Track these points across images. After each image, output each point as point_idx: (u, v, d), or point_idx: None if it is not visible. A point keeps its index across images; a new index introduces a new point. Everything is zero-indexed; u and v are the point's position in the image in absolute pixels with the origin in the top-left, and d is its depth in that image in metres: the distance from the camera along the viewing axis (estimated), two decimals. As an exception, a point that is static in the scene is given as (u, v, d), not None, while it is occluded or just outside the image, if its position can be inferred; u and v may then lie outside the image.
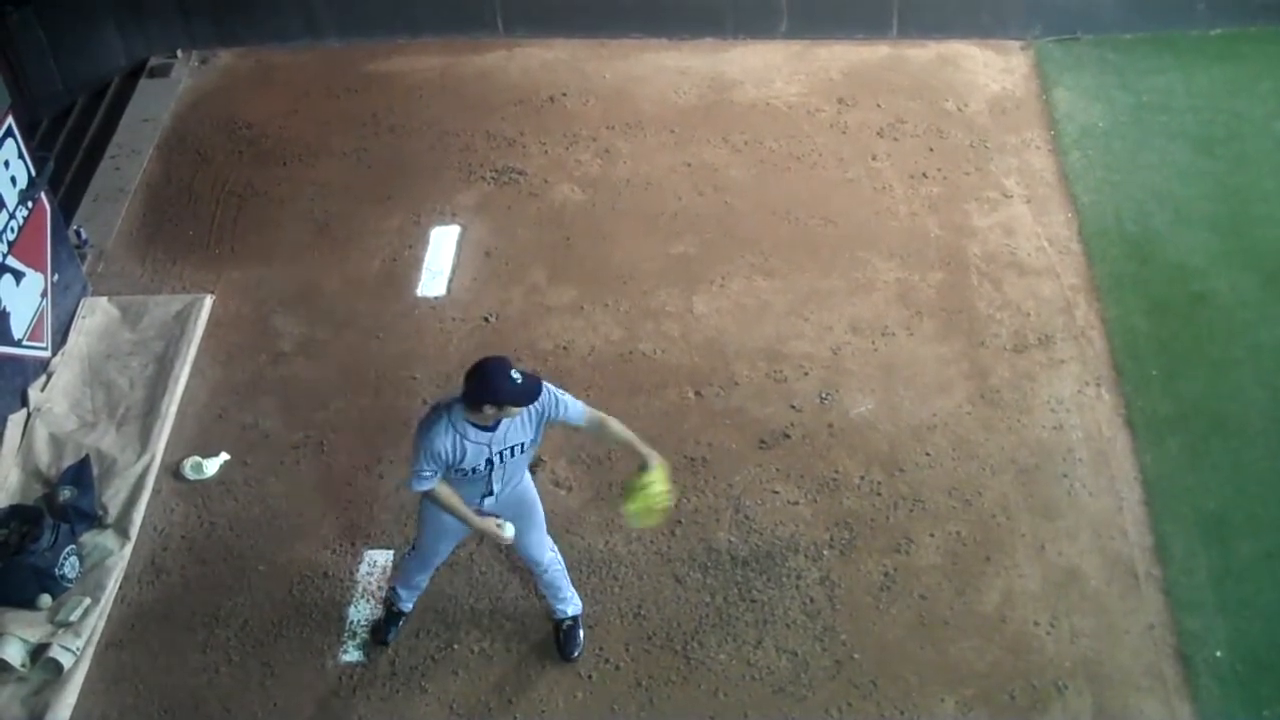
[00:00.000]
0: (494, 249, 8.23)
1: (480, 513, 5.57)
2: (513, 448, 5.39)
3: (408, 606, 6.29)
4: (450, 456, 5.27)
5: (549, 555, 5.97)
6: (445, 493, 5.42)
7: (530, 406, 5.23)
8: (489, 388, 5.10)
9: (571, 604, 6.19)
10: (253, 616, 6.43)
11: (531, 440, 5.43)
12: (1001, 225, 8.11)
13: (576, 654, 6.17)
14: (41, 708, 6.06)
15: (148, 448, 7.13)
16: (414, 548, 6.09)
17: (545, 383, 5.31)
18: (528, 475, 5.74)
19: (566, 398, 5.39)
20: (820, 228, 8.19)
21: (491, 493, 5.55)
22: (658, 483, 5.47)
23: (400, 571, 6.28)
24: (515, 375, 5.11)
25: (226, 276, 8.18)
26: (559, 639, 6.20)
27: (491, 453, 5.33)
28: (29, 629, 6.30)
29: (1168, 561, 6.33)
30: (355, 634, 6.32)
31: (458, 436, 5.24)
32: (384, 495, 6.89)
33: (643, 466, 5.45)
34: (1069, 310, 7.55)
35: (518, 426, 5.32)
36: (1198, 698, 5.84)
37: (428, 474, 5.32)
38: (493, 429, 5.26)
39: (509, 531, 5.64)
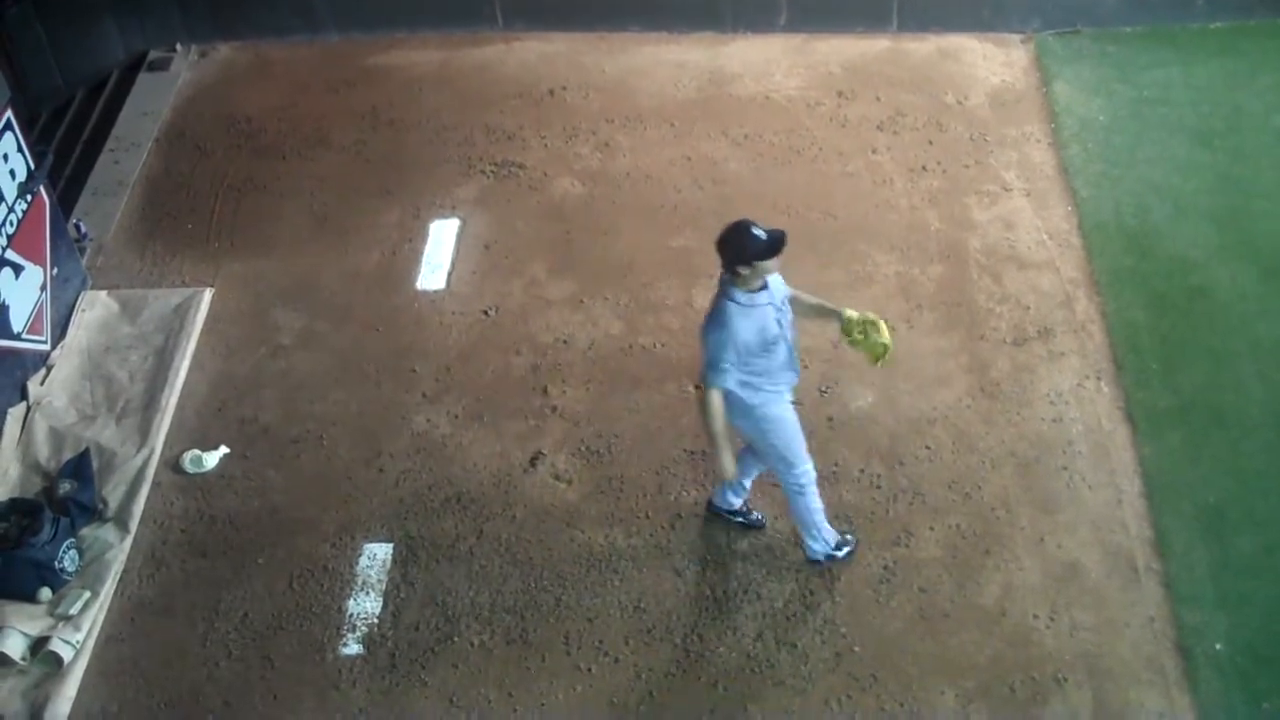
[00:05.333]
0: (493, 242, 8.23)
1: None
2: (783, 300, 5.69)
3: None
4: (752, 333, 5.55)
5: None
6: (720, 408, 5.68)
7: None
8: (741, 248, 5.44)
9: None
10: (253, 610, 6.44)
11: (786, 295, 5.73)
12: (1001, 219, 8.11)
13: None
14: (42, 701, 6.06)
15: (147, 441, 7.13)
16: (786, 466, 6.06)
17: None
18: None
19: None
20: (820, 221, 8.19)
21: (796, 372, 5.87)
22: (869, 331, 5.76)
23: (804, 506, 6.20)
24: (758, 232, 5.46)
25: (226, 270, 8.18)
26: None
27: (777, 309, 5.62)
28: (29, 622, 6.31)
29: (1167, 555, 6.33)
30: (355, 627, 6.32)
31: (749, 309, 5.54)
32: (384, 488, 6.89)
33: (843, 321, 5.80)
34: (1069, 303, 7.55)
35: (776, 277, 5.65)
36: (1197, 690, 5.84)
37: (728, 365, 5.58)
38: (765, 287, 5.58)
39: (731, 469, 5.89)
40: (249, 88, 9.62)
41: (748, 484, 6.44)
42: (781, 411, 5.88)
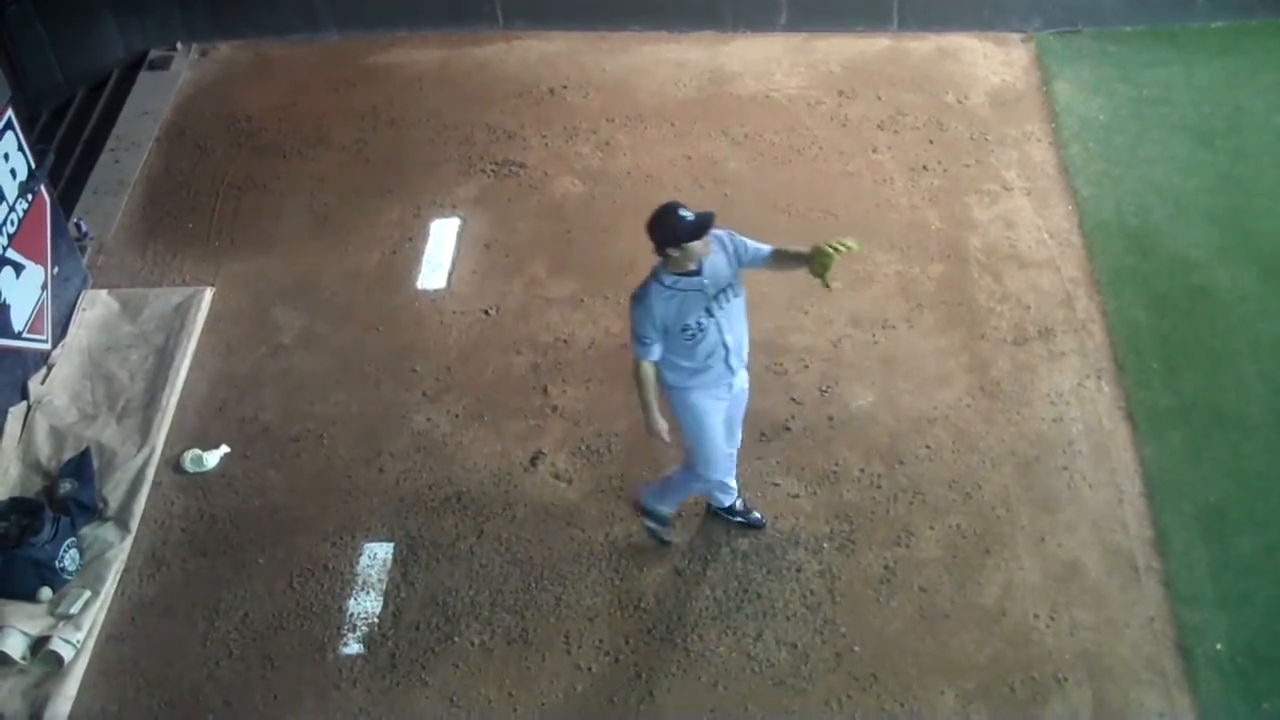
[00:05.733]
0: (494, 241, 8.23)
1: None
2: (724, 289, 5.59)
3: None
4: (670, 315, 5.53)
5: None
6: (649, 376, 5.73)
7: (718, 241, 5.53)
8: (667, 230, 5.40)
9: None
10: (253, 609, 6.44)
11: (733, 281, 5.63)
12: (1002, 218, 8.11)
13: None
14: (42, 700, 6.07)
15: (148, 440, 7.14)
16: (691, 459, 6.12)
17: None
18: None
19: (744, 237, 5.67)
20: (820, 220, 8.18)
21: (732, 369, 5.80)
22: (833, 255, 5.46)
23: (677, 486, 6.34)
24: (685, 214, 5.41)
25: (226, 269, 8.18)
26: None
27: (708, 297, 5.54)
28: (29, 622, 6.31)
29: (1168, 554, 6.33)
30: (355, 626, 6.32)
31: (671, 292, 5.51)
32: (384, 488, 6.89)
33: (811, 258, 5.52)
34: (1069, 303, 7.54)
35: (719, 265, 5.56)
36: (1197, 690, 5.84)
37: (650, 339, 5.59)
38: (699, 271, 5.51)
39: (660, 427, 5.90)
40: (249, 87, 9.62)
41: (730, 482, 6.40)
42: (701, 403, 5.87)
